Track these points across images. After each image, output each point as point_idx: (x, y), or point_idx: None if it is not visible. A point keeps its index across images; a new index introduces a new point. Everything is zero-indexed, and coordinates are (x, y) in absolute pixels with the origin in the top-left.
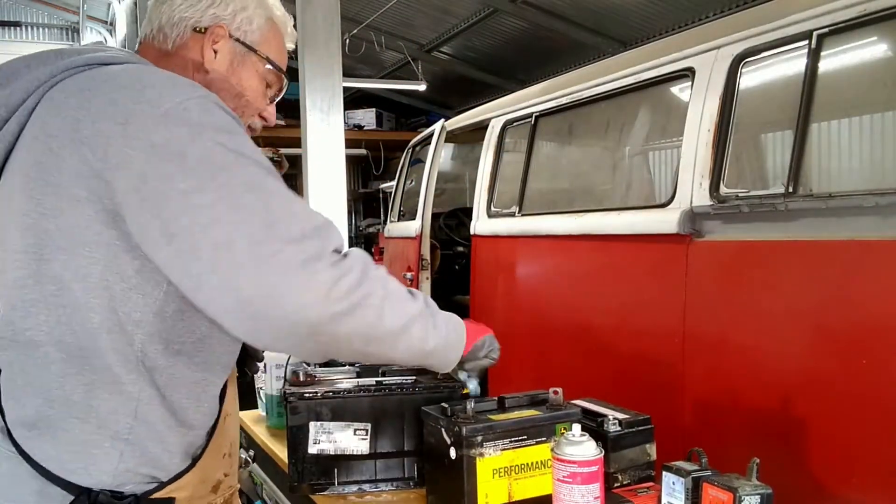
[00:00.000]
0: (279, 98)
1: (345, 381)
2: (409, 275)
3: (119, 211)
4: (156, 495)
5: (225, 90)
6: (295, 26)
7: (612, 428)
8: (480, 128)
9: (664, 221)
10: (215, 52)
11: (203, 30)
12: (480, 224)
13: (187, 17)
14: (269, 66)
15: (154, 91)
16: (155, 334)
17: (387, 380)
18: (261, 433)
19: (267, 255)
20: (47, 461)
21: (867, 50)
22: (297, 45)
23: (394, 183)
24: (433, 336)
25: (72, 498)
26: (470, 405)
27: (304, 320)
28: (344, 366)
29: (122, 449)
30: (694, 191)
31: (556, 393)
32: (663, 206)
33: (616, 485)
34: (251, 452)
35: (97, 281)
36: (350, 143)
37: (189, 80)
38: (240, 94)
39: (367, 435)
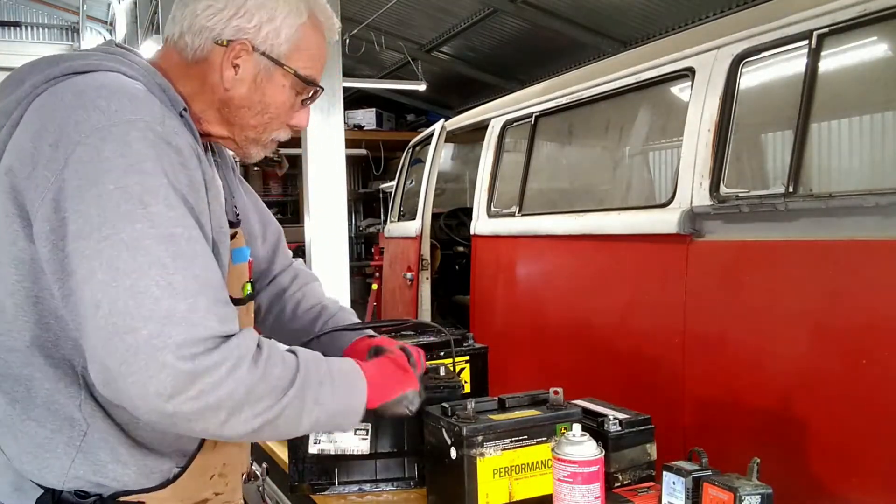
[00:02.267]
0: (314, 102)
1: None
2: (409, 275)
3: (34, 236)
4: (123, 498)
5: (246, 108)
6: None
7: (613, 428)
8: (480, 128)
9: (664, 221)
10: (236, 67)
11: (225, 43)
12: (480, 224)
13: (209, 27)
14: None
15: (83, 112)
16: None
17: None
18: None
19: (122, 330)
20: (12, 458)
21: (867, 50)
22: None
23: (394, 183)
24: (306, 420)
25: (41, 493)
26: (470, 405)
27: (145, 410)
28: None
29: (73, 456)
30: (694, 191)
31: (556, 393)
32: (663, 206)
33: (616, 485)
34: (265, 466)
35: (24, 298)
36: (350, 143)
37: (134, 95)
38: (263, 111)
39: (367, 435)
